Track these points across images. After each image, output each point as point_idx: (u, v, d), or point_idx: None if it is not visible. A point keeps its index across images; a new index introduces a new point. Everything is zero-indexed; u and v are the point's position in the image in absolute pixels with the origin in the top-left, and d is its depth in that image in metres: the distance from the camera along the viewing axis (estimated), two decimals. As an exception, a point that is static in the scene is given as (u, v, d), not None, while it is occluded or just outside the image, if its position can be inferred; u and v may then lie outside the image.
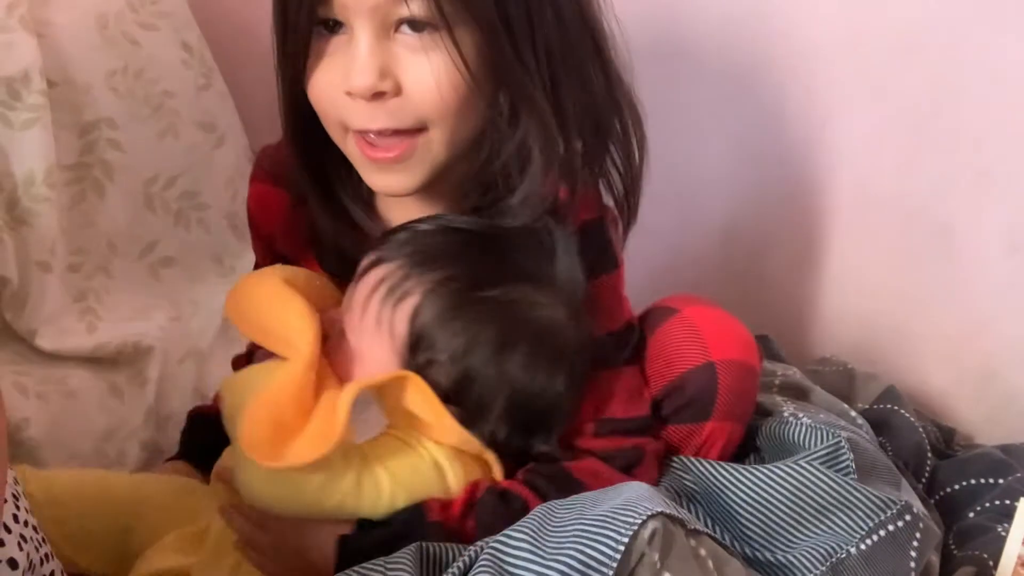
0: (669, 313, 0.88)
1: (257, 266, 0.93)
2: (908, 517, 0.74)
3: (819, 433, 0.81)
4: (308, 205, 0.86)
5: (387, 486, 0.72)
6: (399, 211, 0.85)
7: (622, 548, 0.62)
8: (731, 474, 0.78)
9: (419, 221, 0.80)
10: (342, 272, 0.85)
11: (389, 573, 0.64)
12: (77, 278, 1.09)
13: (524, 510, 0.71)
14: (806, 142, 1.17)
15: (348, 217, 0.85)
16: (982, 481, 0.99)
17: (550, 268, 0.78)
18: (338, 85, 0.75)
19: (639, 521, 0.63)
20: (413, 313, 0.75)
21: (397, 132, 0.75)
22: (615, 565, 0.61)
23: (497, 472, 0.76)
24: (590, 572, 0.62)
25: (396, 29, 0.74)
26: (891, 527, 0.73)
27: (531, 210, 0.78)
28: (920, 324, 1.17)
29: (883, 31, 1.10)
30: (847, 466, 0.77)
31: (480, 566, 0.63)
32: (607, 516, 0.64)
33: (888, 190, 1.15)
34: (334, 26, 0.75)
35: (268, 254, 0.92)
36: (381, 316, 0.75)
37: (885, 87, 1.12)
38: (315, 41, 0.76)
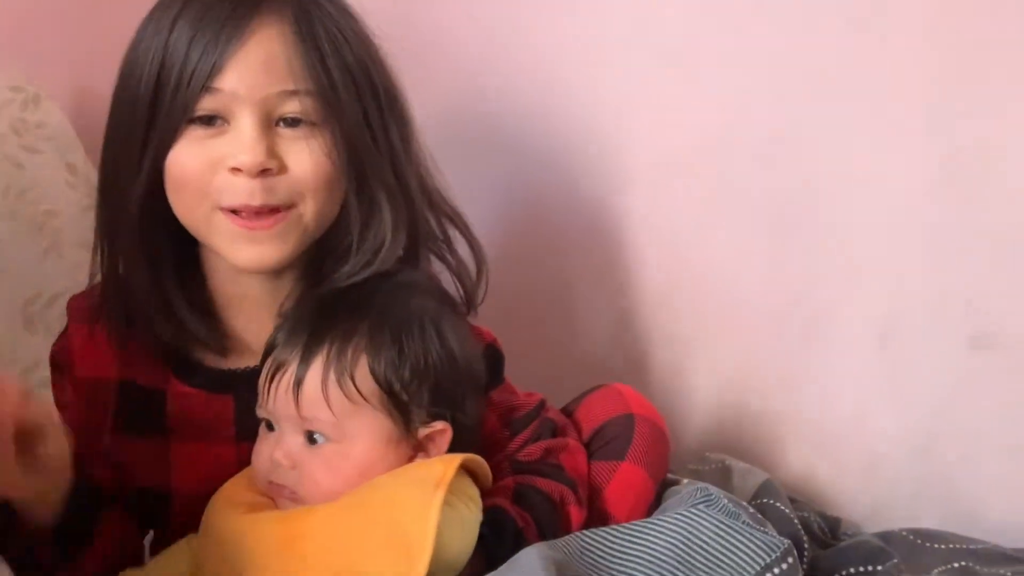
0: (599, 386, 1.01)
1: (65, 406, 0.90)
2: (791, 560, 0.75)
3: (695, 489, 0.84)
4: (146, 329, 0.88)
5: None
6: (244, 309, 0.90)
7: None
8: (619, 532, 0.79)
9: (294, 306, 0.86)
10: (206, 383, 0.89)
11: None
12: (-51, 400, 1.06)
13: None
14: (676, 244, 1.21)
15: (187, 330, 0.88)
16: (860, 569, 1.00)
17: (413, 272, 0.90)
18: (217, 161, 0.82)
19: None
20: (371, 372, 0.80)
21: (272, 209, 0.83)
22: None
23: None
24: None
25: (276, 123, 0.84)
26: (776, 570, 0.74)
27: (375, 269, 0.87)
28: (800, 417, 1.19)
29: (745, 137, 1.16)
30: (724, 507, 0.78)
31: None
32: None
33: (758, 287, 1.19)
34: (210, 119, 0.82)
35: (76, 403, 0.90)
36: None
37: (749, 190, 1.17)
38: (183, 131, 0.82)
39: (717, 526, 0.79)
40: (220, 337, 0.89)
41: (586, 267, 1.25)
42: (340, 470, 0.80)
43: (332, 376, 0.79)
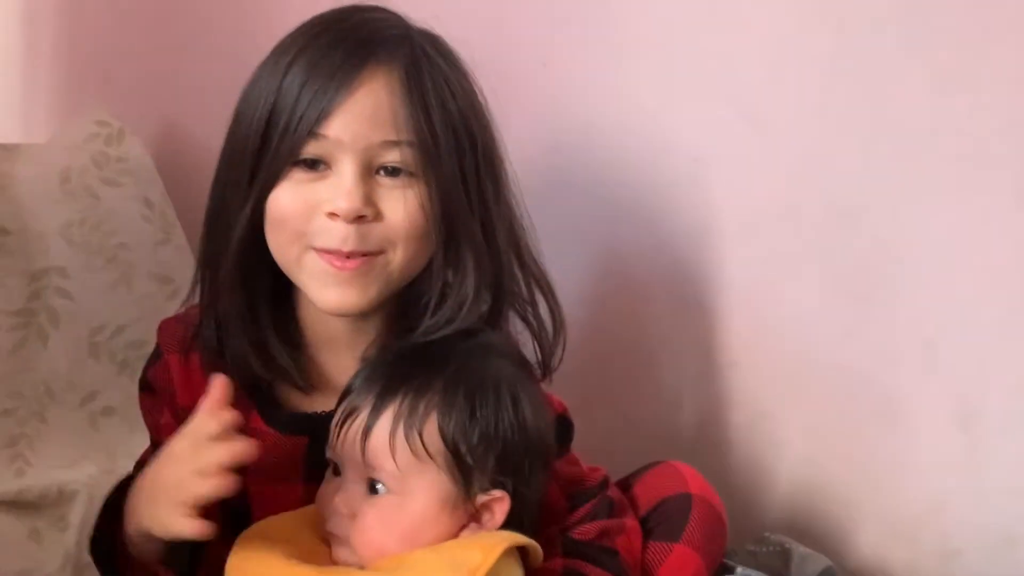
0: (658, 463, 0.98)
1: (159, 441, 0.90)
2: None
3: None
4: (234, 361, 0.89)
5: None
6: (330, 349, 0.91)
7: None
8: None
9: (375, 354, 0.87)
10: (284, 425, 0.90)
11: None
12: (10, 423, 1.09)
13: None
14: (749, 309, 1.16)
15: (276, 365, 0.90)
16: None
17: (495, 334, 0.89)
18: (316, 205, 0.84)
19: None
20: (440, 431, 0.79)
21: (363, 254, 0.85)
22: None
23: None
24: None
25: (376, 172, 0.85)
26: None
27: (456, 326, 0.88)
28: (872, 499, 1.12)
29: (822, 200, 1.10)
30: None
31: None
32: None
33: (831, 359, 1.12)
34: (313, 163, 0.85)
35: (176, 429, 0.88)
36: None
37: (826, 255, 1.11)
38: (287, 172, 0.85)
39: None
40: (306, 374, 0.91)
41: (662, 328, 1.21)
42: (394, 524, 0.79)
43: (401, 428, 0.79)
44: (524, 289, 0.92)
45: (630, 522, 0.91)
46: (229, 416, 0.77)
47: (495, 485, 0.81)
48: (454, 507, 0.80)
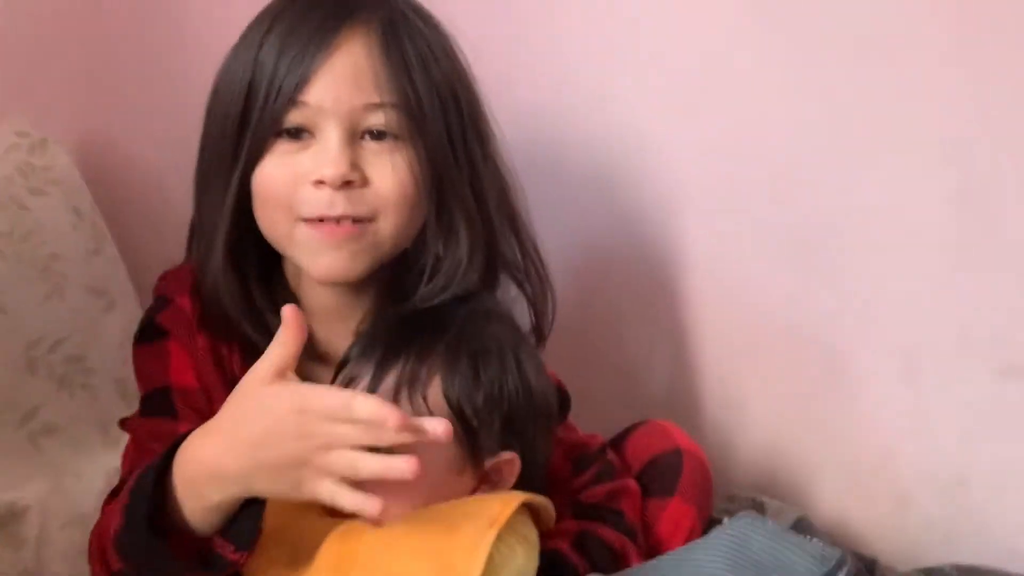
0: (644, 422, 1.01)
1: (169, 384, 0.87)
2: (848, 568, 0.72)
3: (739, 515, 0.81)
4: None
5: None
6: (324, 321, 0.89)
7: None
8: (667, 556, 0.79)
9: (371, 323, 0.86)
10: None
11: None
12: (-52, 444, 1.02)
13: None
14: (705, 281, 1.19)
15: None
16: (908, 601, 0.96)
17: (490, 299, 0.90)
18: (301, 176, 0.83)
19: None
20: (444, 393, 0.79)
21: (353, 220, 0.84)
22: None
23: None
24: None
25: (361, 137, 0.84)
26: (833, 581, 0.71)
27: (452, 292, 0.87)
28: (827, 454, 1.16)
29: (760, 174, 1.14)
30: (772, 524, 0.75)
31: None
32: None
33: (781, 323, 1.16)
34: (296, 132, 0.83)
35: (190, 367, 0.88)
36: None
37: (768, 226, 1.15)
38: (271, 145, 0.84)
39: (767, 538, 0.75)
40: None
41: (627, 302, 1.23)
42: (400, 491, 0.76)
43: (404, 391, 0.78)
44: (517, 254, 0.92)
45: (631, 483, 0.93)
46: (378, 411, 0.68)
47: (503, 448, 0.81)
48: (461, 470, 0.79)
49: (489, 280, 0.90)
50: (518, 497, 0.77)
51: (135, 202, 1.29)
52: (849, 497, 1.16)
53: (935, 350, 1.12)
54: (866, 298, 1.14)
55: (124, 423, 0.91)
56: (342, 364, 0.83)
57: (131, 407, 1.15)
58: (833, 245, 1.14)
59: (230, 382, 0.86)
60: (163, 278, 0.94)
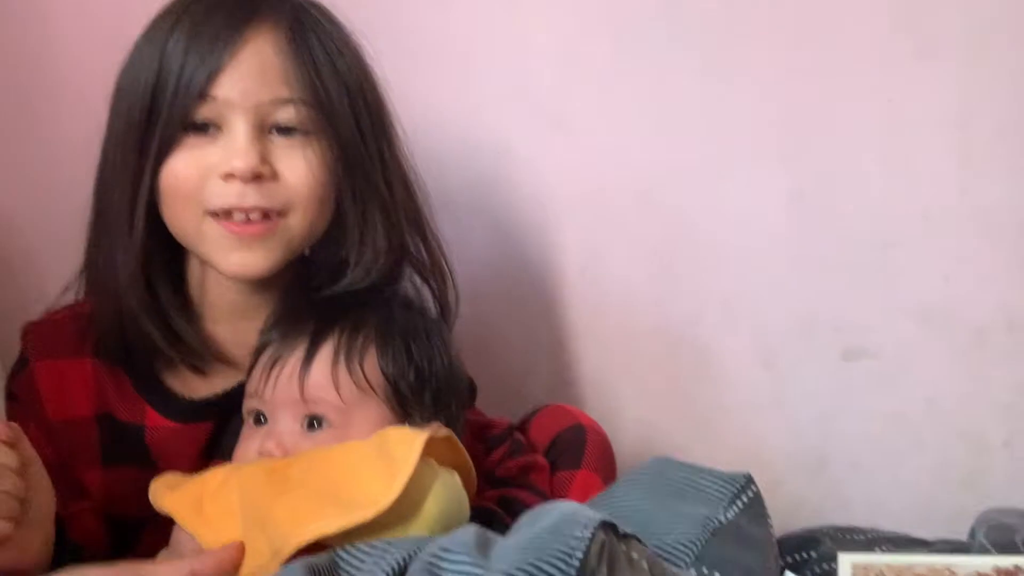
0: (544, 406, 1.05)
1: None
2: (754, 487, 0.77)
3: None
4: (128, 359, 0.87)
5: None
6: (228, 320, 0.90)
7: (576, 564, 0.59)
8: (596, 497, 0.81)
9: (288, 307, 0.86)
10: (183, 415, 0.88)
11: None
12: None
13: None
14: (568, 292, 1.26)
15: (182, 343, 0.88)
16: (797, 557, 1.03)
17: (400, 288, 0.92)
18: (209, 168, 0.83)
19: (588, 536, 0.61)
20: (379, 366, 0.81)
21: (263, 214, 0.84)
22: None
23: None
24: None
25: (269, 132, 0.84)
26: (744, 498, 0.76)
27: (368, 283, 0.89)
28: (701, 445, 1.23)
29: (622, 184, 1.23)
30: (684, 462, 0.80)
31: None
32: (553, 531, 0.62)
33: (650, 325, 1.24)
34: (203, 127, 0.83)
35: (45, 441, 0.86)
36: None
37: (633, 234, 1.24)
38: (179, 140, 0.83)
39: (679, 468, 0.81)
40: (205, 347, 0.88)
41: (507, 309, 1.28)
42: None
43: (343, 361, 0.80)
44: (422, 249, 0.94)
45: (539, 459, 0.96)
46: None
47: (430, 422, 0.82)
48: None
49: (397, 273, 0.92)
50: (444, 429, 0.78)
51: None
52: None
53: (787, 340, 1.23)
54: (725, 296, 1.23)
55: None
56: (263, 345, 0.83)
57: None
58: (694, 250, 1.23)
59: (112, 409, 0.87)
60: (27, 333, 0.91)
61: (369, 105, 0.88)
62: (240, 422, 0.86)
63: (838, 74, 1.18)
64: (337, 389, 0.79)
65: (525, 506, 0.87)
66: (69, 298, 0.94)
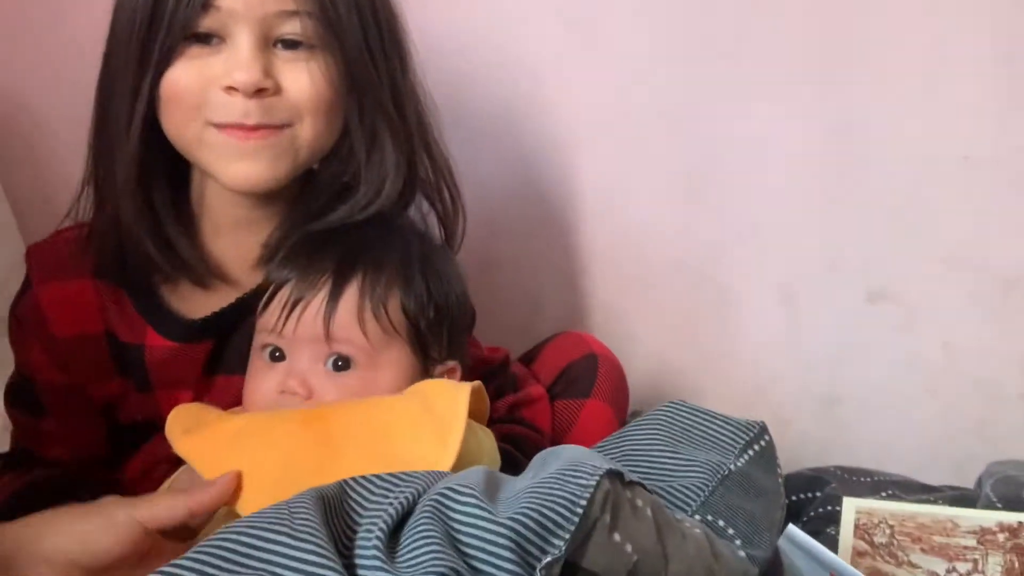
0: (559, 333, 1.05)
1: (31, 377, 0.87)
2: (767, 437, 0.76)
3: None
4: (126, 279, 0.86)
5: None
6: (230, 234, 0.88)
7: (579, 511, 0.59)
8: (608, 438, 0.79)
9: (298, 239, 0.84)
10: (183, 334, 0.87)
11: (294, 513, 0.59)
12: None
13: None
14: (596, 217, 1.24)
15: (180, 259, 0.86)
16: (802, 496, 1.03)
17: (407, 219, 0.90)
18: (211, 79, 0.80)
19: (593, 483, 0.61)
20: (402, 305, 0.80)
21: (267, 127, 0.81)
22: (572, 529, 0.58)
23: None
24: (547, 535, 0.58)
25: (273, 45, 0.81)
26: (756, 447, 0.75)
27: (376, 208, 0.87)
28: (714, 380, 1.23)
29: (650, 107, 1.20)
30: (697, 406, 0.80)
31: (422, 516, 0.59)
32: (559, 478, 0.61)
33: (669, 256, 1.23)
34: (206, 37, 0.80)
35: (51, 363, 0.87)
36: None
37: (658, 159, 1.21)
38: (181, 50, 0.80)
39: (693, 414, 0.80)
40: (201, 261, 0.87)
41: (518, 240, 1.26)
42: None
43: (368, 303, 0.79)
44: (430, 172, 0.92)
45: (533, 391, 0.96)
46: None
47: (446, 358, 0.83)
48: (412, 381, 0.80)
49: (406, 197, 0.90)
50: (469, 384, 0.78)
51: (13, 134, 1.23)
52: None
53: (809, 277, 1.21)
54: (747, 229, 1.21)
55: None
56: (277, 286, 0.80)
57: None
58: (717, 179, 1.21)
59: (114, 329, 0.87)
60: (31, 253, 0.89)
61: (380, 22, 0.85)
62: (241, 338, 0.85)
63: (883, 6, 1.13)
64: (364, 331, 0.78)
65: (521, 436, 0.88)
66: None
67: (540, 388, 0.96)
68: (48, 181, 1.22)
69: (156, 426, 0.85)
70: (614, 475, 0.64)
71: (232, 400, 0.85)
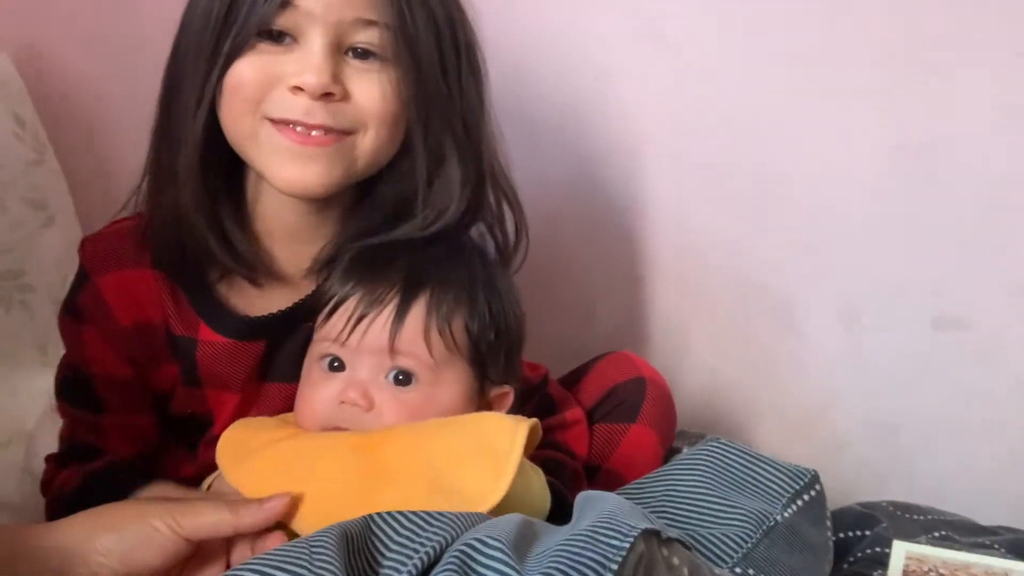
0: (607, 353, 1.02)
1: (90, 372, 0.87)
2: (818, 487, 0.74)
3: (705, 440, 0.83)
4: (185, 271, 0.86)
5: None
6: (283, 239, 0.87)
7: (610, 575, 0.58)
8: (645, 480, 0.78)
9: (360, 249, 0.83)
10: (237, 331, 0.86)
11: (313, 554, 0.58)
12: None
13: None
14: (654, 225, 1.21)
15: (239, 255, 0.85)
16: (850, 534, 1.00)
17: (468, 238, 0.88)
18: (278, 77, 0.79)
19: (626, 545, 0.59)
20: (465, 325, 0.79)
21: (329, 130, 0.79)
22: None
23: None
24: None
25: (345, 52, 0.80)
26: (806, 496, 0.73)
27: (438, 227, 0.85)
28: (770, 398, 1.20)
29: (718, 118, 1.16)
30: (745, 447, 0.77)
31: (446, 569, 0.57)
32: (591, 537, 0.59)
33: (729, 269, 1.19)
34: (279, 36, 0.79)
35: (114, 355, 0.86)
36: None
37: (722, 171, 1.17)
38: (251, 45, 0.79)
39: (741, 456, 0.77)
40: (258, 259, 0.86)
41: (572, 245, 1.24)
42: (420, 416, 0.76)
43: (435, 320, 0.78)
44: (494, 201, 0.89)
45: (572, 414, 0.94)
46: None
47: (501, 381, 0.82)
48: (470, 401, 0.80)
49: (468, 221, 0.88)
50: (527, 420, 0.76)
51: (75, 115, 1.24)
52: (787, 438, 1.20)
53: (875, 299, 1.16)
54: (812, 246, 1.17)
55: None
56: (341, 299, 0.79)
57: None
58: (784, 192, 1.17)
59: (170, 323, 0.86)
60: (84, 248, 0.88)
61: (458, 43, 0.83)
62: (294, 346, 0.84)
63: (961, 21, 1.08)
64: (429, 347, 0.77)
65: (557, 461, 0.87)
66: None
67: (578, 411, 0.94)
68: (109, 170, 1.23)
69: (205, 421, 0.87)
70: (650, 533, 0.61)
71: (280, 409, 0.85)
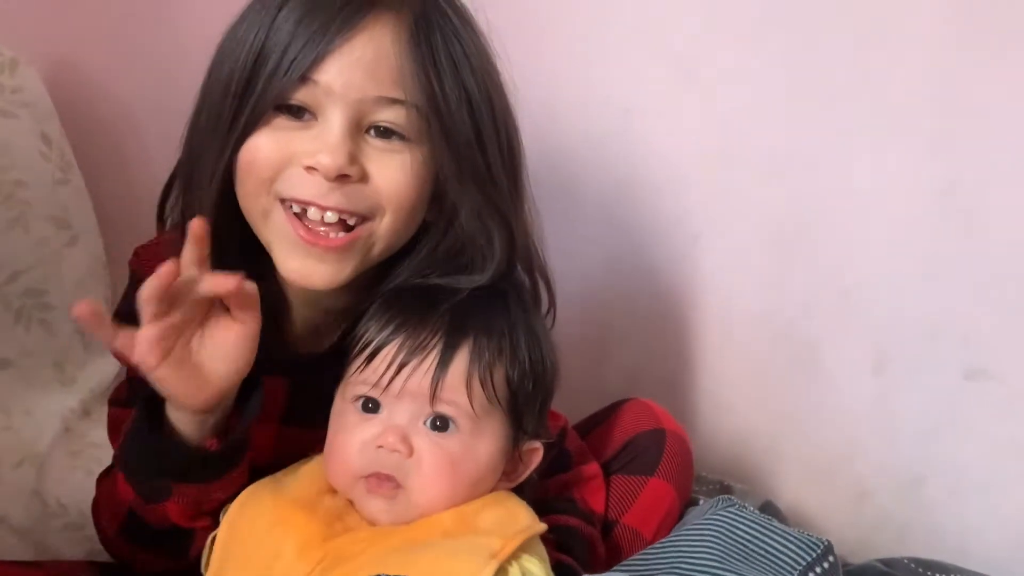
0: (627, 400, 1.00)
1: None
2: (832, 558, 0.72)
3: (718, 499, 0.81)
4: None
5: None
6: (292, 306, 0.85)
7: None
8: (655, 548, 0.77)
9: (391, 297, 0.80)
10: (263, 366, 0.81)
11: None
12: None
13: None
14: (676, 260, 1.19)
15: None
16: (868, 592, 0.97)
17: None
18: (293, 155, 0.76)
19: None
20: (506, 376, 0.78)
21: (342, 218, 0.76)
22: None
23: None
24: None
25: (366, 131, 0.77)
26: (819, 568, 0.71)
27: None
28: (792, 444, 1.17)
29: (748, 153, 1.14)
30: (753, 510, 0.75)
31: None
32: None
33: (754, 309, 1.17)
34: (298, 111, 0.76)
35: None
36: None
37: (751, 207, 1.15)
38: (269, 118, 0.76)
39: (752, 525, 0.75)
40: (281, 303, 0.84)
41: (589, 281, 1.22)
42: (461, 468, 0.75)
43: (477, 369, 0.76)
44: (527, 277, 0.86)
45: (588, 469, 0.92)
46: None
47: (533, 435, 0.80)
48: (504, 455, 0.79)
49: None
50: (521, 535, 0.74)
51: (102, 133, 1.24)
52: (810, 486, 1.17)
53: (905, 347, 1.13)
54: (842, 289, 1.14)
55: (111, 401, 0.88)
56: (380, 345, 0.77)
57: (89, 351, 1.12)
58: (813, 232, 1.14)
59: None
60: (139, 254, 0.87)
61: (495, 120, 0.79)
62: (316, 392, 0.81)
63: (1011, 55, 1.04)
64: (470, 396, 0.75)
65: (572, 528, 0.85)
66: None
67: (595, 466, 0.92)
68: (136, 190, 1.23)
69: None
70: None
71: (298, 455, 0.83)
